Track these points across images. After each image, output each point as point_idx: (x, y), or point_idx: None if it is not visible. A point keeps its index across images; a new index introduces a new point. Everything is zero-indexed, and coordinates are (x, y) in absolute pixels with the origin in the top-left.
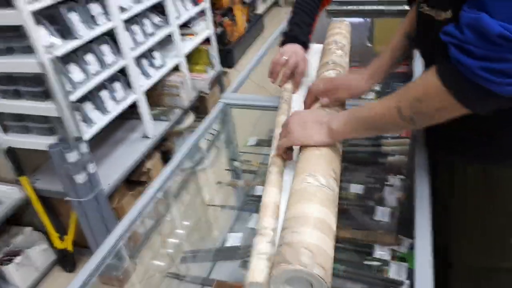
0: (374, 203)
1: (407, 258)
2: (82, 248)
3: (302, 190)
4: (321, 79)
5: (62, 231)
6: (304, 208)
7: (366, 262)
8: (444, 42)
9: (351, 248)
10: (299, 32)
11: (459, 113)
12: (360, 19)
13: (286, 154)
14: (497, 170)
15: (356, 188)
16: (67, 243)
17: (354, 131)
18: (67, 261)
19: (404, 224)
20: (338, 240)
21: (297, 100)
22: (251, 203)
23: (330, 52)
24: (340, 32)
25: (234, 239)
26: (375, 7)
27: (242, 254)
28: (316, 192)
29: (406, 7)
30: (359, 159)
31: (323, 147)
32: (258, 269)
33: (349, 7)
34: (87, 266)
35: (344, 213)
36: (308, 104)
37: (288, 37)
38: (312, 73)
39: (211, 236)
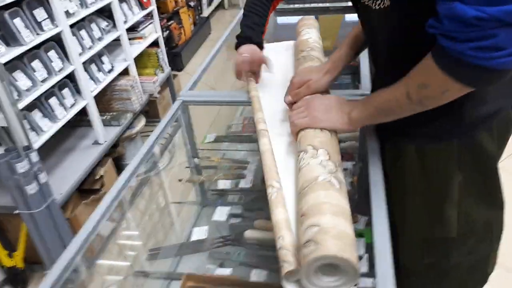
0: None
1: (364, 234)
2: (33, 264)
3: (312, 180)
4: (301, 71)
5: (10, 248)
6: (317, 197)
7: None
8: (431, 33)
9: None
10: (253, 34)
11: (465, 91)
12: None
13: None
14: (429, 149)
15: None
16: (17, 260)
17: (371, 117)
18: (18, 280)
19: (358, 204)
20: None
21: (263, 95)
22: (214, 198)
23: (305, 46)
24: (310, 29)
25: (199, 233)
26: (320, 5)
27: (208, 246)
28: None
29: (350, 3)
30: None
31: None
32: (288, 261)
33: (296, 5)
34: (43, 285)
35: None
36: (296, 94)
37: (242, 39)
38: (278, 70)
39: (175, 233)
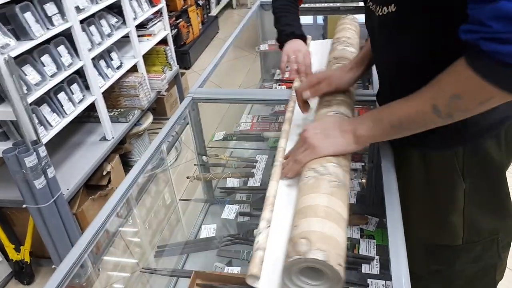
0: None
1: (374, 235)
2: (40, 258)
3: (304, 185)
4: (323, 70)
5: (17, 242)
6: (306, 200)
7: None
8: (466, 40)
9: None
10: (294, 29)
11: (504, 101)
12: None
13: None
14: (434, 156)
15: None
16: (24, 254)
17: (384, 134)
18: (24, 273)
19: (369, 205)
20: None
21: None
22: (222, 196)
23: (335, 48)
24: (346, 27)
25: (208, 231)
26: (331, 4)
27: (217, 244)
28: (318, 183)
29: (361, 4)
30: None
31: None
32: (254, 262)
33: (307, 5)
34: (51, 283)
35: None
36: (300, 103)
37: (286, 36)
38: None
39: (182, 230)
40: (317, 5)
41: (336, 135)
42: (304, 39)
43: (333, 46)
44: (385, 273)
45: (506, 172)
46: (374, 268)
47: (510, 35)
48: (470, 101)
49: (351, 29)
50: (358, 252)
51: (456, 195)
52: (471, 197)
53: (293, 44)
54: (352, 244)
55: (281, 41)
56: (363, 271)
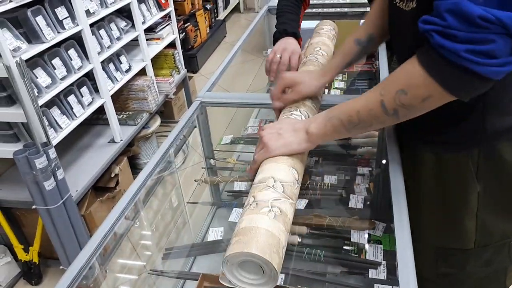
0: (347, 192)
1: (381, 240)
2: (48, 259)
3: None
4: (289, 73)
5: (26, 242)
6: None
7: (344, 247)
8: (423, 31)
9: (330, 234)
10: (287, 26)
11: (444, 101)
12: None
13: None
14: (448, 158)
15: (329, 179)
16: (33, 255)
17: (335, 132)
18: (33, 274)
19: (376, 210)
20: (316, 227)
21: None
22: (230, 199)
23: (309, 53)
24: (323, 32)
25: (215, 234)
26: (338, 10)
27: (224, 247)
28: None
29: (368, 9)
30: (331, 152)
31: (285, 159)
32: None
33: (314, 10)
34: (60, 285)
35: (320, 203)
36: (276, 114)
37: (278, 33)
38: None
39: (189, 233)
40: (325, 10)
41: (289, 135)
42: (296, 37)
43: (307, 49)
44: (392, 278)
45: None
46: (381, 273)
47: (459, 32)
48: (414, 96)
49: (326, 34)
50: (365, 257)
51: (470, 198)
52: (485, 200)
53: (283, 43)
54: (359, 249)
55: (274, 39)
56: (370, 276)
